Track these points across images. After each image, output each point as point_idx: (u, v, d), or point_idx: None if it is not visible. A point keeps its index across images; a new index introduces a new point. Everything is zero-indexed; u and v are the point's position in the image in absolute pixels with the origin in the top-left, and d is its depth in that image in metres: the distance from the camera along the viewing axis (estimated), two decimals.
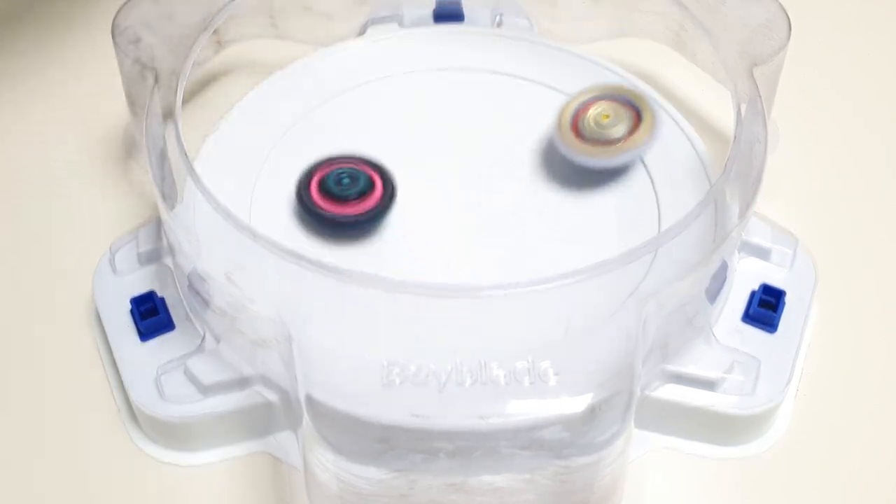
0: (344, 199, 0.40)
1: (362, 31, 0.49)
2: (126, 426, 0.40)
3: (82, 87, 0.51)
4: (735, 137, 0.39)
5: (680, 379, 0.38)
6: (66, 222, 0.46)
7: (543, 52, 0.47)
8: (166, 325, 0.40)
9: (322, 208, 0.40)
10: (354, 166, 0.41)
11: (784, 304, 0.41)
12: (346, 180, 0.41)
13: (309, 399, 0.34)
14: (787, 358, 0.40)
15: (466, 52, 0.47)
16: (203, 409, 0.38)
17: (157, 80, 0.41)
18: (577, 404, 0.33)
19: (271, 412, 0.38)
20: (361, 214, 0.40)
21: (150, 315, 0.40)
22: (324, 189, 0.40)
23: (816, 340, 0.42)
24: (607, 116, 0.42)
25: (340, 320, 0.36)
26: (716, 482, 0.39)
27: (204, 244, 0.38)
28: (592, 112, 0.42)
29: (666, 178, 0.42)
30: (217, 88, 0.50)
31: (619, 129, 0.42)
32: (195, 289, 0.39)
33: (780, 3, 0.43)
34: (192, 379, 0.38)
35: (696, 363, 0.38)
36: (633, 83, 0.45)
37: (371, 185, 0.41)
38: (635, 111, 0.42)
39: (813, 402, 0.41)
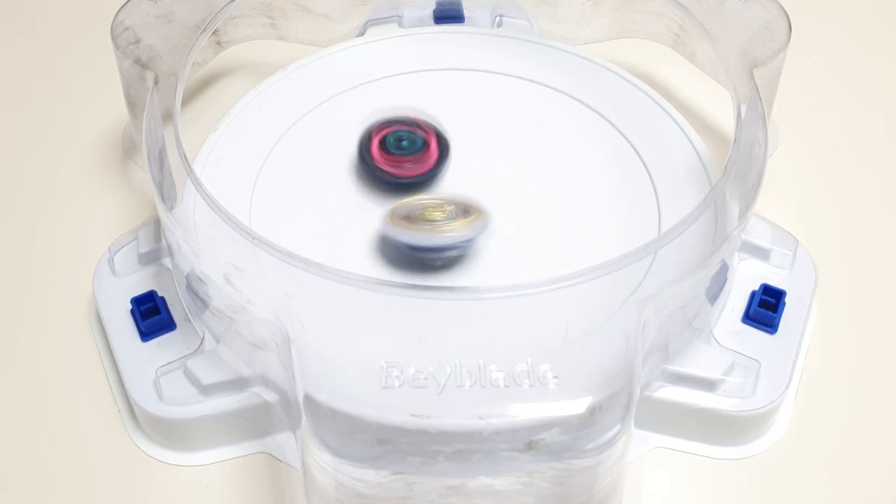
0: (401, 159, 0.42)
1: (362, 32, 0.49)
2: (126, 426, 0.40)
3: (82, 87, 0.51)
4: (735, 139, 0.39)
5: (680, 380, 0.38)
6: (65, 223, 0.46)
7: (543, 53, 0.47)
8: (167, 324, 0.40)
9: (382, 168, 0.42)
10: (410, 129, 0.42)
11: (784, 304, 0.41)
12: (404, 142, 0.42)
13: (307, 400, 0.34)
14: (787, 359, 0.40)
15: (466, 53, 0.47)
16: (202, 410, 0.38)
17: (156, 80, 0.41)
18: (576, 407, 0.33)
19: (270, 413, 0.38)
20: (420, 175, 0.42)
21: (152, 315, 0.40)
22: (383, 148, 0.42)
23: (816, 341, 0.42)
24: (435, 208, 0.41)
25: (339, 322, 0.36)
26: (715, 482, 0.39)
27: (203, 245, 0.38)
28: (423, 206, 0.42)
29: (666, 179, 0.42)
30: (217, 88, 0.50)
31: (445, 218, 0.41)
32: (194, 290, 0.39)
33: (780, 5, 0.43)
34: (192, 379, 0.38)
35: (696, 364, 0.38)
36: (634, 82, 0.46)
37: (426, 146, 0.42)
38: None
39: (812, 402, 0.41)
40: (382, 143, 0.42)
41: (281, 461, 0.39)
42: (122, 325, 0.40)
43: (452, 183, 0.43)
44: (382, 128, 0.42)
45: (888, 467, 0.39)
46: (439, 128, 0.43)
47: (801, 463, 0.40)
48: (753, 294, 0.41)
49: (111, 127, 0.49)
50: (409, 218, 0.41)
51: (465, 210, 0.41)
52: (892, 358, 0.42)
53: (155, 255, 0.42)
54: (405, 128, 0.42)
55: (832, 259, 0.44)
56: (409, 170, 0.42)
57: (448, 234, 0.40)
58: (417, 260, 0.40)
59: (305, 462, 0.35)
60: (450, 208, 0.41)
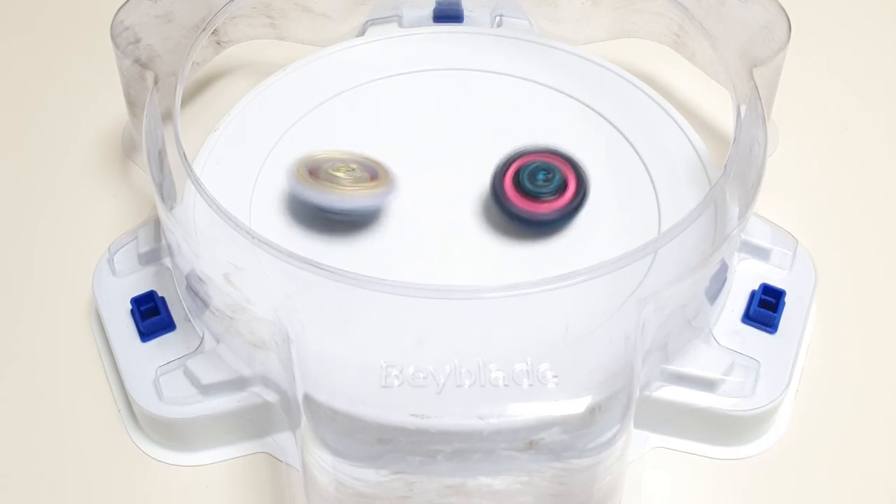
0: (538, 197, 0.40)
1: (362, 32, 0.49)
2: (126, 426, 0.40)
3: (82, 87, 0.51)
4: (735, 138, 0.39)
5: (680, 379, 0.38)
6: (65, 223, 0.46)
7: (543, 53, 0.47)
8: (167, 325, 0.40)
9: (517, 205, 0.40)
10: (549, 160, 0.40)
11: (784, 304, 0.41)
12: (540, 176, 0.40)
13: (307, 400, 0.34)
14: (787, 359, 0.40)
15: (466, 53, 0.47)
16: (202, 410, 0.38)
17: (156, 80, 0.41)
18: (576, 406, 0.33)
19: (270, 413, 0.38)
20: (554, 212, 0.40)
21: (151, 315, 0.40)
22: (518, 186, 0.40)
23: (816, 340, 0.42)
24: (346, 168, 0.41)
25: (339, 322, 0.36)
26: (715, 482, 0.39)
27: (203, 245, 0.38)
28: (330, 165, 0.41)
29: (666, 179, 0.42)
30: (217, 88, 0.50)
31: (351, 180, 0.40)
32: (194, 290, 0.39)
33: (780, 5, 0.43)
34: (192, 379, 0.38)
35: (695, 364, 0.38)
36: (634, 82, 0.46)
37: (565, 184, 0.40)
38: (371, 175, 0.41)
39: (812, 402, 0.41)
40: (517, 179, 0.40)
41: (281, 461, 0.39)
42: (122, 325, 0.40)
43: (451, 180, 0.43)
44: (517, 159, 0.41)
45: (888, 467, 0.39)
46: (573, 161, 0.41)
47: (801, 463, 0.39)
48: (753, 294, 0.41)
49: (111, 127, 0.49)
50: (314, 173, 0.40)
51: (374, 174, 0.41)
52: (892, 358, 0.42)
53: (155, 254, 0.42)
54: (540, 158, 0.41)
55: (832, 259, 0.44)
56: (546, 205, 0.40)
57: (350, 196, 0.40)
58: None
59: (305, 462, 0.35)
60: (355, 168, 0.40)
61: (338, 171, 0.40)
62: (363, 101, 0.45)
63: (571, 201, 0.40)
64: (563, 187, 0.40)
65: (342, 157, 0.41)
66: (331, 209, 0.40)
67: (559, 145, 0.41)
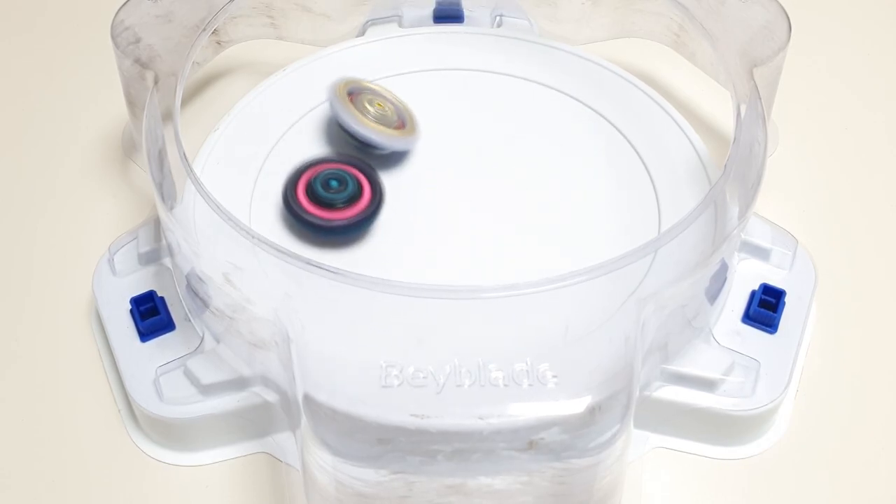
0: (332, 205, 0.40)
1: (362, 32, 0.49)
2: (126, 426, 0.40)
3: (82, 87, 0.51)
4: (735, 138, 0.39)
5: (680, 379, 0.38)
6: (65, 223, 0.46)
7: (543, 53, 0.47)
8: (167, 325, 0.40)
9: (310, 213, 0.40)
10: (342, 168, 0.41)
11: (784, 304, 0.41)
12: (334, 183, 0.40)
13: (307, 400, 0.34)
14: (787, 359, 0.40)
15: (466, 53, 0.47)
16: (202, 410, 0.38)
17: (156, 80, 0.41)
18: (575, 406, 0.33)
19: (270, 413, 0.38)
20: (349, 220, 0.40)
21: (151, 315, 0.40)
22: (311, 193, 0.40)
23: (816, 340, 0.42)
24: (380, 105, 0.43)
25: (339, 321, 0.36)
26: (715, 482, 0.39)
27: (203, 245, 0.38)
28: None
29: (666, 179, 0.42)
30: (217, 88, 0.50)
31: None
32: (194, 290, 0.39)
33: (780, 5, 0.43)
34: (192, 379, 0.38)
35: (695, 364, 0.38)
36: (634, 82, 0.46)
37: (359, 190, 0.40)
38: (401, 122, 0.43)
39: (812, 402, 0.41)
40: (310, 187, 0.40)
41: (281, 461, 0.39)
42: (122, 325, 0.40)
43: (451, 180, 0.43)
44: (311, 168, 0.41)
45: (888, 467, 0.39)
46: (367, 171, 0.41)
47: (801, 463, 0.39)
48: (753, 294, 0.41)
49: (111, 127, 0.49)
50: (352, 95, 0.42)
51: (402, 122, 0.42)
52: (892, 358, 0.42)
53: (155, 254, 0.42)
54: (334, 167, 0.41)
55: (832, 259, 0.44)
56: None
57: (372, 130, 0.41)
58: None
59: (305, 461, 0.35)
60: (388, 110, 0.42)
61: (371, 104, 0.42)
62: None
63: (366, 208, 0.40)
64: (356, 195, 0.40)
65: (383, 94, 0.43)
66: (347, 130, 0.42)
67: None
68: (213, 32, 0.45)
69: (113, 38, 0.42)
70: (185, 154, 0.38)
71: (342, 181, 0.40)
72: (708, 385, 0.38)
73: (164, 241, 0.41)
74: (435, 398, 0.34)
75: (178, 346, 0.39)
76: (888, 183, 0.48)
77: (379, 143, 0.42)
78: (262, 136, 0.44)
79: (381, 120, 0.42)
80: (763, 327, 0.40)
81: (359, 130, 0.41)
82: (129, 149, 0.48)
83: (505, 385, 0.34)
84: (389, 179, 0.42)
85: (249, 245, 0.36)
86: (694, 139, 0.44)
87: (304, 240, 0.40)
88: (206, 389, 0.38)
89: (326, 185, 0.40)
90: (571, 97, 0.45)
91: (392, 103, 0.43)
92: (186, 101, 0.49)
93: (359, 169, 0.41)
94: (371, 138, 0.42)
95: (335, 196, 0.40)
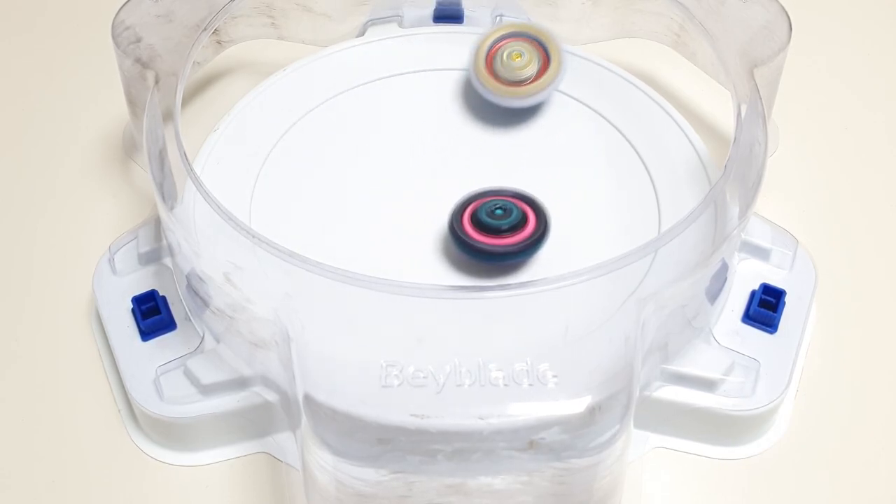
0: (496, 232, 0.39)
1: (362, 32, 0.49)
2: (126, 426, 0.40)
3: (82, 87, 0.51)
4: (735, 138, 0.39)
5: (680, 379, 0.38)
6: (65, 223, 0.46)
7: None
8: (168, 324, 0.40)
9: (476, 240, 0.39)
10: (508, 199, 0.40)
11: (784, 304, 0.41)
12: (498, 212, 0.39)
13: (307, 400, 0.34)
14: (787, 359, 0.40)
15: (466, 53, 0.47)
16: (202, 410, 0.38)
17: (156, 80, 0.41)
18: (575, 406, 0.33)
19: (270, 413, 0.38)
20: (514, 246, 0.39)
21: (152, 314, 0.40)
22: (476, 221, 0.39)
23: (816, 340, 0.42)
24: (518, 56, 0.43)
25: (339, 321, 0.36)
26: (715, 482, 0.39)
27: (203, 244, 0.38)
28: (504, 52, 0.44)
29: (666, 179, 0.42)
30: (217, 88, 0.50)
31: (530, 69, 0.43)
32: (194, 289, 0.39)
33: (780, 5, 0.43)
34: (192, 379, 0.38)
35: (695, 364, 0.38)
36: (634, 82, 0.46)
37: (524, 218, 0.39)
38: (543, 50, 0.44)
39: (812, 402, 0.41)
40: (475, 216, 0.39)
41: (281, 461, 0.39)
42: (122, 325, 0.40)
43: (451, 180, 0.43)
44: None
45: (888, 467, 0.39)
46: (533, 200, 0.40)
47: (801, 463, 0.39)
48: (753, 294, 0.41)
49: (111, 127, 0.49)
50: (490, 66, 0.43)
51: (546, 53, 0.44)
52: (892, 358, 0.42)
53: (155, 254, 0.42)
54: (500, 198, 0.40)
55: (832, 259, 0.44)
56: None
57: (504, 96, 0.43)
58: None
59: (305, 461, 0.35)
60: (529, 54, 0.43)
61: (510, 58, 0.43)
62: (363, 101, 0.45)
63: (532, 235, 0.39)
64: (521, 223, 0.39)
65: (510, 32, 0.44)
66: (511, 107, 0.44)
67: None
68: (213, 32, 0.45)
69: (113, 37, 0.42)
70: (185, 154, 0.38)
71: (506, 210, 0.39)
72: (708, 385, 0.38)
73: (164, 241, 0.41)
74: (435, 398, 0.34)
75: (178, 345, 0.39)
76: (888, 183, 0.48)
77: (514, 105, 0.43)
78: (262, 136, 0.44)
79: (516, 76, 0.43)
80: (763, 327, 0.40)
81: (494, 100, 0.43)
82: (129, 148, 0.48)
83: (505, 385, 0.34)
84: (388, 177, 0.42)
85: (249, 245, 0.36)
86: (694, 139, 0.44)
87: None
88: (207, 389, 0.38)
89: (491, 214, 0.39)
90: (571, 97, 0.45)
91: (534, 42, 0.44)
92: (187, 100, 0.49)
93: (522, 199, 0.40)
94: (504, 104, 0.43)
95: (500, 223, 0.39)
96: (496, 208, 0.39)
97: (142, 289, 0.41)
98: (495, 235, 0.38)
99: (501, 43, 0.44)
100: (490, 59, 0.44)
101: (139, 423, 0.40)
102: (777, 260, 0.42)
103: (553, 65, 0.44)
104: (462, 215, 0.39)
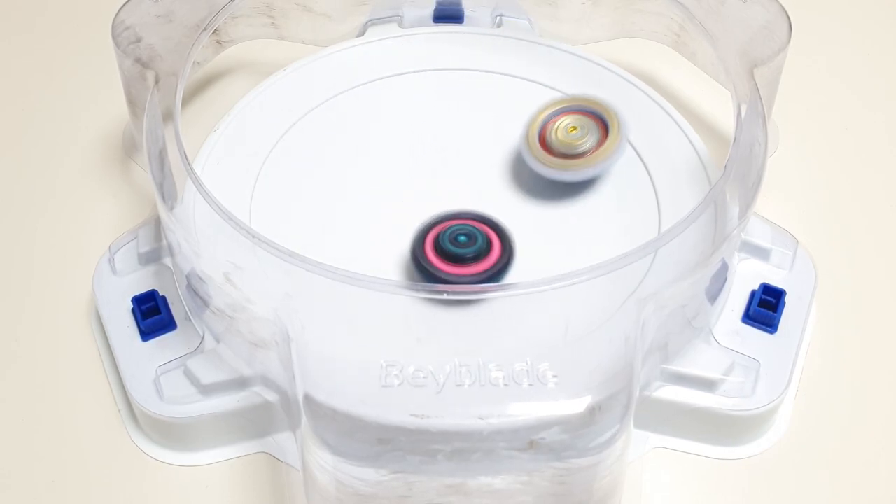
0: (461, 260, 0.38)
1: (362, 32, 0.49)
2: (126, 426, 0.40)
3: (82, 87, 0.51)
4: (735, 138, 0.39)
5: (680, 379, 0.38)
6: (65, 223, 0.46)
7: (543, 53, 0.47)
8: (168, 324, 0.40)
9: (439, 269, 0.38)
10: (470, 223, 0.39)
11: (784, 304, 0.41)
12: (462, 238, 0.38)
13: (307, 399, 0.34)
14: (787, 359, 0.40)
15: (466, 53, 0.47)
16: (202, 410, 0.38)
17: (156, 80, 0.41)
18: (575, 406, 0.33)
19: (270, 413, 0.38)
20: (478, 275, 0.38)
21: (152, 314, 0.40)
22: (439, 249, 0.38)
23: (816, 340, 0.42)
24: (575, 129, 0.41)
25: (339, 321, 0.36)
26: (715, 482, 0.39)
27: (203, 244, 0.38)
28: (560, 124, 0.41)
29: (666, 179, 0.42)
30: (217, 88, 0.50)
31: (588, 142, 0.41)
32: (194, 289, 0.39)
33: (780, 5, 0.43)
34: (192, 379, 0.38)
35: (695, 364, 0.38)
36: (634, 82, 0.46)
37: (488, 245, 0.38)
38: (602, 122, 0.41)
39: (812, 402, 0.41)
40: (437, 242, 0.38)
41: (281, 461, 0.39)
42: (123, 325, 0.40)
43: (451, 180, 0.43)
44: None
45: (888, 467, 0.39)
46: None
47: (801, 463, 0.39)
48: (753, 294, 0.41)
49: (111, 127, 0.49)
50: (545, 141, 0.41)
51: (603, 121, 0.41)
52: (892, 358, 0.42)
53: (155, 254, 0.42)
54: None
55: (832, 259, 0.44)
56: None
57: (555, 170, 0.40)
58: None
59: (305, 461, 0.35)
60: (584, 125, 0.41)
61: (570, 132, 0.41)
62: (363, 101, 0.45)
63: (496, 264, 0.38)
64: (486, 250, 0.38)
65: (561, 108, 0.41)
66: (572, 181, 0.41)
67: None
68: (213, 32, 0.45)
69: (114, 37, 0.42)
70: (185, 154, 0.38)
71: (471, 236, 0.38)
72: (708, 385, 0.38)
73: (164, 241, 0.41)
74: (435, 398, 0.34)
75: (178, 345, 0.39)
76: (888, 183, 0.48)
77: (566, 179, 0.41)
78: (262, 136, 0.44)
79: (570, 148, 0.41)
80: (763, 327, 0.40)
81: (544, 173, 0.40)
82: (129, 148, 0.48)
83: (505, 385, 0.34)
84: (388, 177, 0.42)
85: (249, 245, 0.36)
86: (694, 139, 0.44)
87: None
88: (207, 389, 0.38)
89: (455, 241, 0.38)
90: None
91: (590, 114, 0.41)
92: (187, 100, 0.49)
93: (486, 224, 0.39)
94: (555, 177, 0.41)
95: (464, 251, 0.38)
96: (459, 234, 0.38)
97: (142, 289, 0.41)
98: (459, 264, 0.38)
99: (558, 117, 0.42)
100: (544, 132, 0.42)
101: (139, 423, 0.40)
102: (777, 260, 0.42)
103: (612, 137, 0.41)
104: (424, 241, 0.38)
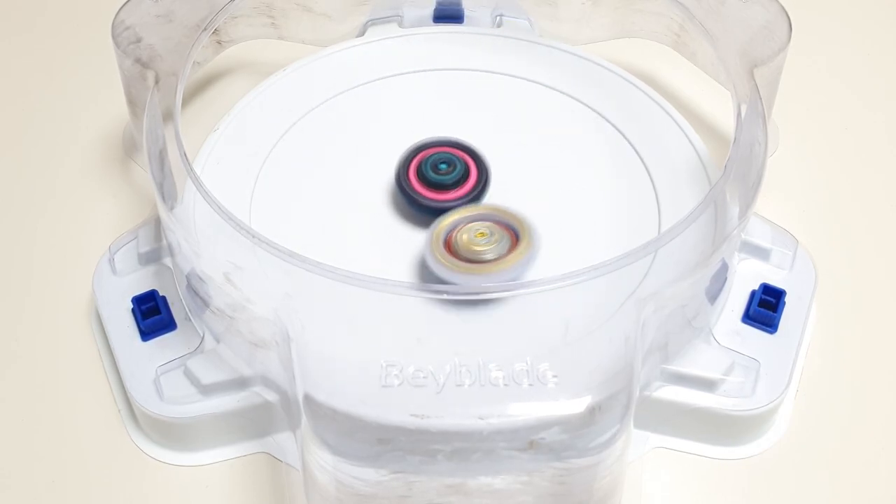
0: (442, 186, 0.40)
1: (362, 32, 0.49)
2: (126, 426, 0.40)
3: (82, 87, 0.51)
4: (735, 138, 0.39)
5: (680, 379, 0.38)
6: (65, 223, 0.46)
7: (543, 53, 0.47)
8: (168, 324, 0.40)
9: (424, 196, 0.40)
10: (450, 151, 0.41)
11: (784, 304, 0.41)
12: (443, 166, 0.41)
13: (307, 399, 0.34)
14: (787, 359, 0.40)
15: (466, 53, 0.47)
16: (202, 410, 0.38)
17: (157, 80, 0.41)
18: (575, 406, 0.33)
19: (270, 413, 0.38)
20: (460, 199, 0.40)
21: (152, 314, 0.40)
22: (422, 177, 0.41)
23: (816, 340, 0.42)
24: (483, 234, 0.38)
25: (339, 321, 0.36)
26: (715, 482, 0.39)
27: (203, 244, 0.38)
28: (470, 228, 0.39)
29: (666, 179, 0.42)
30: (217, 88, 0.50)
31: (492, 251, 0.38)
32: (194, 289, 0.39)
33: (780, 5, 0.43)
34: (192, 379, 0.38)
35: (695, 364, 0.38)
36: (634, 82, 0.46)
37: (467, 172, 0.41)
38: (513, 234, 0.39)
39: (812, 402, 0.41)
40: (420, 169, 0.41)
41: (281, 461, 0.39)
42: (123, 325, 0.40)
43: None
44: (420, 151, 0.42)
45: (888, 467, 0.39)
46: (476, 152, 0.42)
47: (801, 463, 0.39)
48: (753, 294, 0.41)
49: (111, 127, 0.49)
50: (450, 246, 0.38)
51: (514, 231, 0.39)
52: (892, 358, 0.42)
53: (155, 254, 0.42)
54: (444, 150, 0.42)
55: (832, 259, 0.44)
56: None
57: (497, 272, 0.37)
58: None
59: (305, 461, 0.35)
60: (492, 232, 0.38)
61: (477, 238, 0.38)
62: (363, 101, 0.45)
63: (473, 189, 0.41)
64: (465, 177, 0.41)
65: (472, 215, 0.39)
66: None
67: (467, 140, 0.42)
68: (213, 32, 0.45)
69: (113, 37, 0.42)
70: (185, 154, 0.38)
71: (450, 163, 0.41)
72: (708, 385, 0.38)
73: (164, 241, 0.41)
74: (435, 398, 0.34)
75: (178, 345, 0.39)
76: (888, 183, 0.48)
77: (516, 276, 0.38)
78: (262, 136, 0.44)
79: (498, 246, 0.38)
80: (763, 327, 0.40)
81: (447, 278, 0.38)
82: (129, 148, 0.48)
83: (505, 385, 0.34)
84: (388, 177, 0.42)
85: (249, 245, 0.36)
86: (694, 139, 0.44)
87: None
88: (207, 389, 0.38)
89: (436, 169, 0.41)
90: (571, 97, 0.45)
91: (487, 221, 0.39)
92: (187, 100, 0.49)
93: (464, 150, 0.41)
94: (461, 282, 0.38)
95: (445, 178, 0.40)
96: (440, 162, 0.41)
97: (142, 289, 0.41)
98: (440, 190, 0.40)
99: (468, 223, 0.39)
100: (450, 236, 0.39)
101: (139, 423, 0.40)
102: (777, 260, 0.42)
103: (520, 249, 0.38)
104: (408, 169, 0.41)
